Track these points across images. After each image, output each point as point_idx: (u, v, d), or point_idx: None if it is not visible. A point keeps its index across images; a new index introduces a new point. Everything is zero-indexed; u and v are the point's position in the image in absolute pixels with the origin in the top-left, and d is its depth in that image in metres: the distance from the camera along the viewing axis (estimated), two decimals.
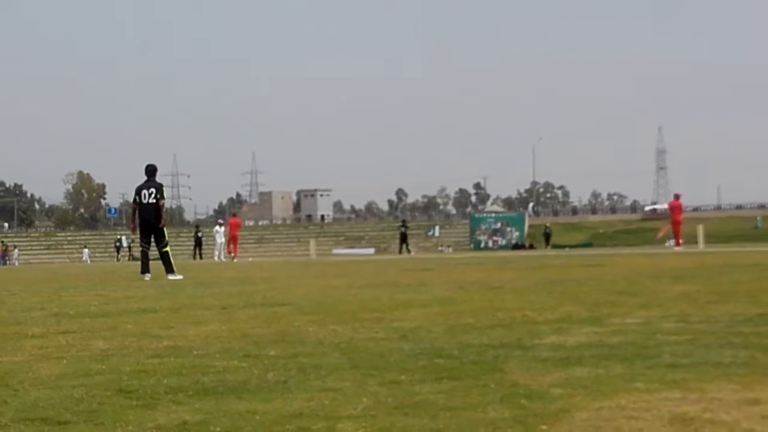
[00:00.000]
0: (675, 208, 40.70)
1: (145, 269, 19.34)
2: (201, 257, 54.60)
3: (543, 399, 3.82)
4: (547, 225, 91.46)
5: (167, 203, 20.03)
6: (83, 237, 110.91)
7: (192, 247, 58.81)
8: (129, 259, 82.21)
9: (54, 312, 9.29)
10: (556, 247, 78.75)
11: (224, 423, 3.54)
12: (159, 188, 19.84)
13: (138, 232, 20.07)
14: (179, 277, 18.36)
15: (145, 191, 19.72)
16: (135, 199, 19.95)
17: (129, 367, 5.05)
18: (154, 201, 19.57)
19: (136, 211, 20.01)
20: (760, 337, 5.65)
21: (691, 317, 7.02)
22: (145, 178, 20.04)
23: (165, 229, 19.92)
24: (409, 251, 61.20)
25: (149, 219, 19.71)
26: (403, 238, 63.28)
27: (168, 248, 19.63)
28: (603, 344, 5.50)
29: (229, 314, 8.50)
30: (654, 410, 3.53)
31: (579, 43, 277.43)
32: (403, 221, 69.01)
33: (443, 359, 5.03)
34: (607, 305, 8.34)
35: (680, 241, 39.48)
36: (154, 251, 19.69)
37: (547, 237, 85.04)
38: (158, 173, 20.45)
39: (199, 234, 56.18)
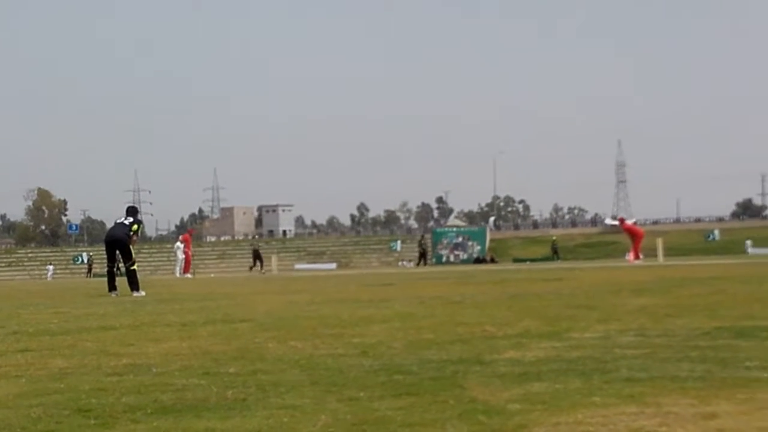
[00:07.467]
0: (632, 226, 42.47)
1: (111, 287, 19.43)
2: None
3: (501, 415, 3.84)
4: (555, 237, 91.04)
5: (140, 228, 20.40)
6: (44, 254, 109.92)
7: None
8: (88, 275, 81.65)
9: (13, 330, 9.22)
10: (517, 261, 79.13)
11: None
12: (137, 220, 20.45)
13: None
14: (143, 293, 18.44)
15: (122, 217, 20.35)
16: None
17: (88, 385, 5.03)
18: (127, 224, 19.97)
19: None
20: (717, 350, 5.71)
21: (649, 331, 7.08)
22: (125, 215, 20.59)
23: (132, 247, 19.96)
24: (426, 264, 68.25)
25: (116, 234, 20.01)
26: (423, 253, 70.87)
27: (135, 267, 19.72)
28: (561, 359, 5.54)
29: (190, 331, 8.46)
30: (611, 425, 3.56)
31: (539, 56, 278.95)
32: (422, 236, 75.48)
33: (402, 375, 5.04)
34: (566, 319, 8.39)
35: (640, 255, 40.11)
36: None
37: (555, 250, 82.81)
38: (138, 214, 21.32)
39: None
